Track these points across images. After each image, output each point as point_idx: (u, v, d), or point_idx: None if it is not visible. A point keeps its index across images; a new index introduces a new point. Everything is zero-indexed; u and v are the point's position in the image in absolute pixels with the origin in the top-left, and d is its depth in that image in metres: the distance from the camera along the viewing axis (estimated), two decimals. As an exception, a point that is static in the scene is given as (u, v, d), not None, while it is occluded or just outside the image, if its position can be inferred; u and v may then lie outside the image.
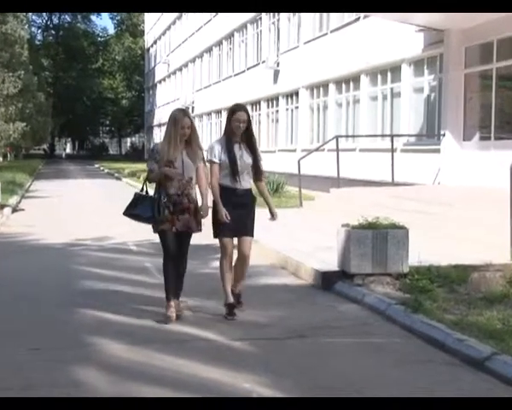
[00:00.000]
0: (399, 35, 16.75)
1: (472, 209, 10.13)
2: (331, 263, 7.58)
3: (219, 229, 6.08)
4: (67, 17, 79.43)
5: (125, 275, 8.25)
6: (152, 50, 62.33)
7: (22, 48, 35.74)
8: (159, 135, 53.67)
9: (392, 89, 18.22)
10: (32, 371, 4.69)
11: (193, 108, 40.49)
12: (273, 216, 6.37)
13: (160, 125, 54.02)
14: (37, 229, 13.04)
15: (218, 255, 6.38)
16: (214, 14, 35.64)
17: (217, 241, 6.27)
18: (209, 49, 38.39)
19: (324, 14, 21.93)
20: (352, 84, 20.40)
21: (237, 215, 6.02)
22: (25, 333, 5.70)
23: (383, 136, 18.10)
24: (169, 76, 51.96)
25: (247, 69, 30.86)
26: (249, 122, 6.13)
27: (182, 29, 46.24)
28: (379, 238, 7.04)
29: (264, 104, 28.77)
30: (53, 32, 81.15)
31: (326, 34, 21.89)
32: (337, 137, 16.51)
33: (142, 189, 6.13)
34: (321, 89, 22.66)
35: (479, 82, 14.93)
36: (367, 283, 7.01)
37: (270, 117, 28.54)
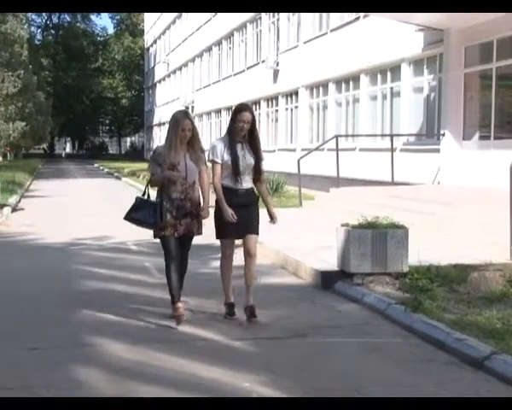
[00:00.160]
0: (399, 34, 16.74)
1: (472, 209, 10.13)
2: (331, 263, 7.58)
3: (222, 230, 6.02)
4: (67, 17, 79.43)
5: (125, 274, 8.26)
6: (152, 50, 62.30)
7: (22, 47, 35.69)
8: (158, 135, 53.68)
9: (391, 88, 18.22)
10: (32, 371, 4.69)
11: (192, 107, 40.48)
12: (272, 219, 6.24)
13: (159, 125, 54.04)
14: (37, 228, 13.05)
15: (218, 255, 6.38)
16: (214, 13, 35.62)
17: (217, 241, 6.25)
18: (209, 49, 38.38)
19: (324, 14, 21.90)
20: (351, 83, 20.39)
21: (240, 216, 5.93)
22: (25, 333, 5.70)
23: (383, 135, 18.10)
24: (169, 75, 51.92)
25: (247, 69, 30.84)
26: (254, 122, 6.01)
27: (181, 28, 46.19)
28: (379, 238, 7.04)
29: (263, 104, 28.76)
30: (52, 31, 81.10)
31: (326, 34, 21.88)
32: (337, 137, 16.51)
33: (145, 192, 6.03)
34: (320, 88, 22.65)
35: (478, 82, 14.92)
36: (367, 282, 7.02)
37: (269, 116, 28.53)
